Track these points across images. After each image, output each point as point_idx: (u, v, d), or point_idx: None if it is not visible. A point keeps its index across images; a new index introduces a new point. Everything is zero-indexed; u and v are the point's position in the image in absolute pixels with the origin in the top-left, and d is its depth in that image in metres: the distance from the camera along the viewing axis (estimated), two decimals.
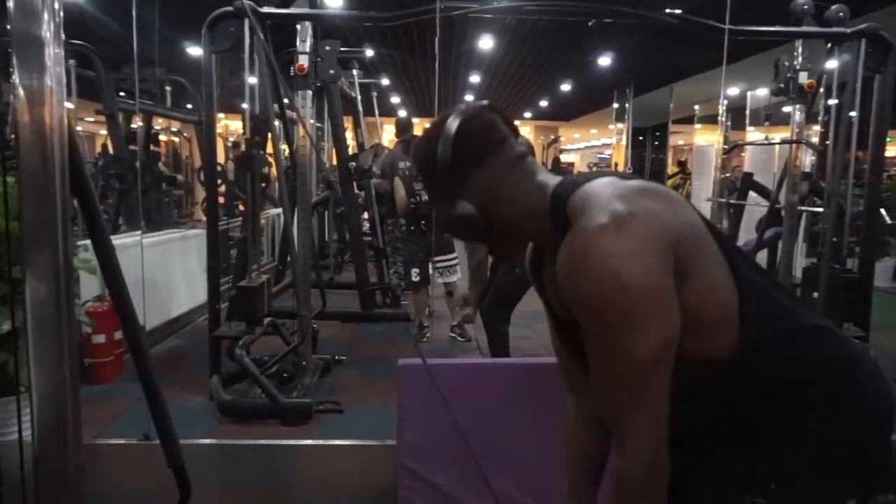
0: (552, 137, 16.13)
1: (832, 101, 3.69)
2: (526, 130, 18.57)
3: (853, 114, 3.50)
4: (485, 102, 1.04)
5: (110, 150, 5.03)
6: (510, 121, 1.04)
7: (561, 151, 17.43)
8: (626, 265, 0.82)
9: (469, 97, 12.18)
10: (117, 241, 3.84)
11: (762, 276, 0.99)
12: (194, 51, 4.48)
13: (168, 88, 5.75)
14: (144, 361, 1.38)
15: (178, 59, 5.95)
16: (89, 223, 1.29)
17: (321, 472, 2.35)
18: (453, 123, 0.98)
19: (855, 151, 3.61)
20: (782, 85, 3.52)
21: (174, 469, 1.42)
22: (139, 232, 3.98)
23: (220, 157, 7.62)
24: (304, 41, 3.06)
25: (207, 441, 2.41)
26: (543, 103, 13.33)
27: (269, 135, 3.26)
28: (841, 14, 3.37)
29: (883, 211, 4.38)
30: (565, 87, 10.87)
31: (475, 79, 10.01)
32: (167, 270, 4.33)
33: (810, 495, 0.92)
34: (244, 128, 3.08)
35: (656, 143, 14.07)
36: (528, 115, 15.64)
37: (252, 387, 3.14)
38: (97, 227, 1.29)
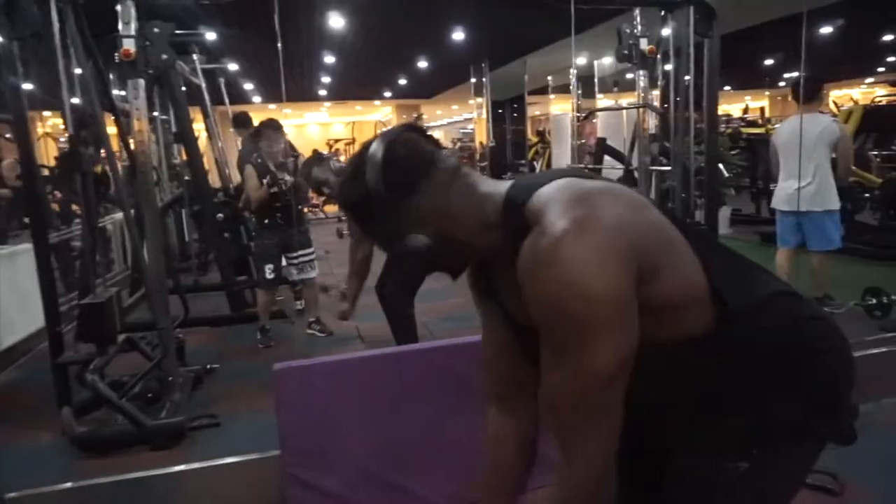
0: (414, 115, 16.11)
1: (669, 67, 3.95)
2: (387, 111, 18.44)
3: (688, 77, 3.76)
4: (402, 124, 0.98)
5: None
6: (431, 137, 0.98)
7: (425, 129, 17.48)
8: (590, 275, 0.80)
9: (325, 79, 11.81)
10: None
11: (722, 251, 1.01)
12: None
13: None
14: None
15: None
16: None
17: (202, 499, 2.15)
18: (376, 153, 0.90)
19: (693, 112, 3.89)
20: (626, 52, 3.71)
21: None
22: None
23: (51, 160, 6.81)
24: (128, 23, 2.72)
25: (62, 486, 2.11)
26: (402, 82, 13.26)
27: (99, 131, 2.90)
28: None
29: (721, 166, 4.79)
30: (422, 64, 10.86)
31: (329, 59, 9.69)
32: None
33: (788, 453, 0.96)
34: (65, 123, 2.69)
35: (515, 115, 14.51)
36: (388, 94, 15.51)
37: (112, 414, 2.81)
38: None
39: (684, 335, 0.92)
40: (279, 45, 3.23)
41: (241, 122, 4.72)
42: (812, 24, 6.78)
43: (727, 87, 16.17)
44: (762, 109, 13.94)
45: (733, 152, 7.74)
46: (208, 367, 3.58)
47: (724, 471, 0.96)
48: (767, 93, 18.65)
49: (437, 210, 0.92)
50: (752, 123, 10.86)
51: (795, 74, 4.04)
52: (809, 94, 3.65)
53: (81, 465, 2.55)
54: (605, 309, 0.81)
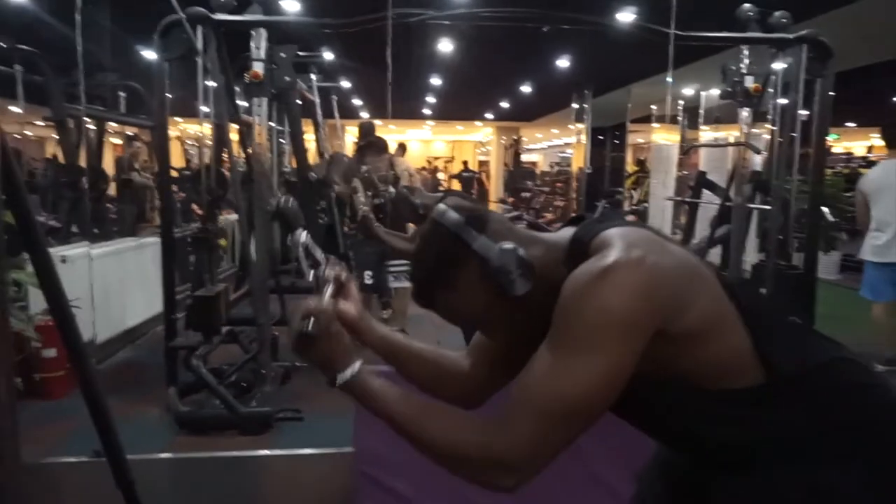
0: (514, 138, 16.23)
1: (781, 101, 3.82)
2: (488, 131, 18.68)
3: (801, 113, 3.63)
4: (449, 199, 1.01)
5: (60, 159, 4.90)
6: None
7: (523, 151, 17.56)
8: (621, 299, 0.84)
9: (430, 98, 12.20)
10: (68, 251, 3.76)
11: (776, 318, 1.02)
12: (150, 55, 4.40)
13: (122, 94, 5.60)
14: (87, 373, 1.35)
15: (133, 64, 5.82)
16: (24, 234, 1.25)
17: (280, 483, 2.34)
18: (444, 214, 0.97)
19: (799, 151, 3.75)
20: (730, 89, 3.63)
21: (122, 488, 1.39)
22: (86, 243, 3.88)
23: (179, 161, 7.50)
24: (259, 48, 3.03)
25: (162, 455, 2.36)
26: (504, 104, 13.42)
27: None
28: (784, 20, 3.50)
29: (826, 209, 4.54)
30: (525, 88, 10.97)
31: (436, 81, 10.03)
32: (121, 280, 4.24)
33: None
34: (201, 133, 3.03)
35: (616, 142, 14.28)
36: (489, 115, 15.72)
37: (211, 398, 3.09)
38: (33, 239, 1.26)
39: (730, 387, 0.94)
40: (389, 73, 3.43)
41: (367, 131, 5.01)
42: None
43: (850, 124, 15.10)
44: None
45: (848, 194, 7.26)
46: (297, 364, 3.83)
47: None
48: None
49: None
50: (875, 164, 10.10)
51: None
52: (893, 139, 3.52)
53: (180, 439, 2.83)
54: (616, 331, 0.85)
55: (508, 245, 0.94)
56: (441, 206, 1.00)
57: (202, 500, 2.25)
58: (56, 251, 3.65)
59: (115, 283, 4.14)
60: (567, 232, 1.00)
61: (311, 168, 4.69)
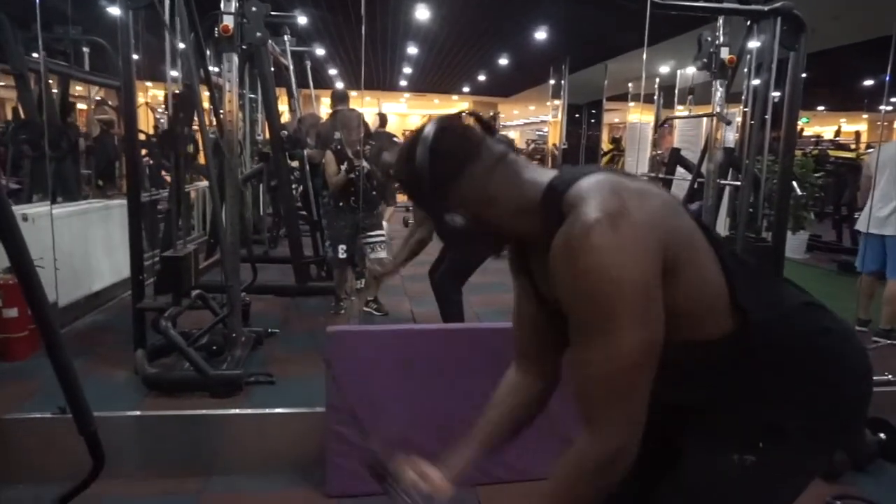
0: (491, 113, 16.18)
1: (754, 82, 3.86)
2: (464, 106, 18.55)
3: (776, 94, 3.67)
4: (458, 111, 1.05)
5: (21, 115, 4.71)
6: (486, 122, 1.05)
7: (501, 128, 17.50)
8: (619, 262, 0.85)
9: (407, 69, 12.05)
10: (32, 210, 3.64)
11: (747, 265, 1.05)
12: (115, 11, 4.24)
13: (86, 50, 5.41)
14: (48, 324, 1.31)
15: (101, 21, 5.61)
16: None
17: (250, 441, 2.33)
18: (427, 137, 0.99)
19: (771, 133, 3.81)
20: (705, 60, 3.65)
21: (86, 436, 1.36)
22: (48, 202, 3.76)
23: (149, 126, 7.28)
24: (229, 1, 2.94)
25: (130, 413, 2.34)
26: (482, 78, 13.34)
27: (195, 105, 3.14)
28: None
29: (794, 183, 4.64)
30: (503, 61, 10.91)
31: (413, 51, 9.90)
32: (87, 242, 4.13)
33: (797, 450, 0.99)
34: (165, 99, 2.94)
35: (592, 120, 14.34)
36: (466, 89, 15.65)
37: (180, 361, 3.05)
38: None
39: (702, 337, 0.97)
40: (363, 28, 3.36)
41: (340, 98, 4.96)
42: None
43: (821, 108, 15.38)
44: (857, 134, 13.19)
45: (817, 174, 7.42)
46: (269, 330, 3.80)
47: (730, 463, 0.99)
48: (865, 116, 17.61)
49: (476, 194, 0.99)
50: (843, 147, 10.33)
51: None
52: None
53: (148, 401, 2.80)
54: (634, 293, 0.86)
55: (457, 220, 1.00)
56: (429, 130, 1.00)
57: (171, 456, 2.24)
58: (17, 209, 3.54)
59: (80, 245, 4.03)
60: (547, 175, 1.01)
61: (283, 126, 4.60)
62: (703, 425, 1.04)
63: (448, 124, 1.01)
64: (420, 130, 1.01)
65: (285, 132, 4.45)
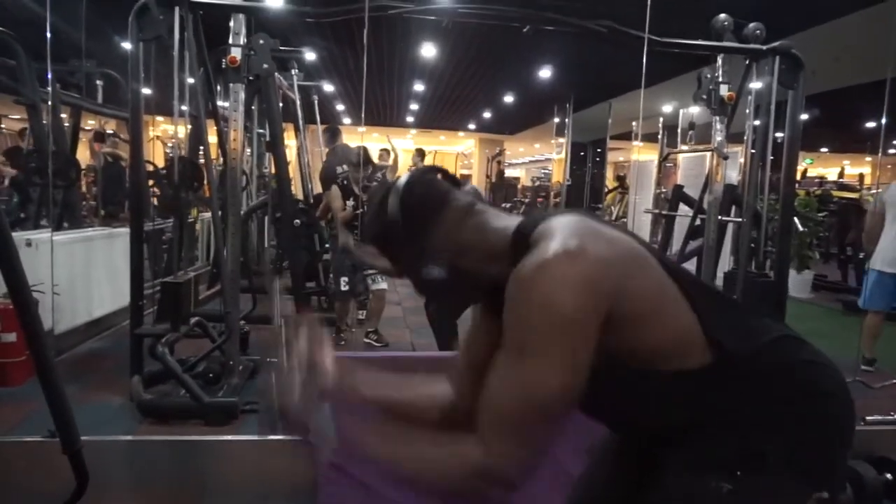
0: (497, 150, 16.35)
1: (756, 123, 3.91)
2: (470, 143, 18.78)
3: (780, 135, 3.71)
4: (422, 166, 1.09)
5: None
6: (451, 175, 1.08)
7: (506, 166, 17.67)
8: (561, 295, 0.85)
9: (413, 106, 12.25)
10: (35, 235, 3.68)
11: (721, 300, 1.06)
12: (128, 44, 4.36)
13: (100, 83, 5.54)
14: (40, 344, 1.32)
15: (112, 54, 5.75)
16: None
17: (242, 469, 2.29)
18: (397, 193, 1.01)
19: (771, 173, 3.85)
20: (705, 96, 3.70)
21: (70, 455, 1.35)
22: (49, 229, 3.80)
23: (156, 158, 7.39)
24: (238, 34, 3.02)
25: (121, 437, 2.31)
26: (487, 115, 13.53)
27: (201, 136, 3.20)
28: (758, 31, 3.58)
29: (796, 219, 4.64)
30: (508, 98, 11.08)
31: (419, 87, 10.08)
32: (89, 269, 4.15)
33: (775, 481, 0.97)
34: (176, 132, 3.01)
35: (597, 158, 14.44)
36: (472, 126, 15.83)
37: (177, 389, 3.03)
38: None
39: (680, 368, 0.96)
40: (364, 62, 3.45)
41: (333, 134, 5.05)
42: None
43: (824, 149, 15.48)
44: (860, 176, 13.23)
45: (821, 215, 7.43)
46: (268, 359, 3.78)
47: (707, 490, 0.97)
48: (869, 158, 17.70)
49: (449, 244, 1.00)
50: (847, 188, 10.36)
51: None
52: None
53: (143, 427, 2.77)
54: (565, 328, 0.86)
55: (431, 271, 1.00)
56: (397, 187, 1.02)
57: (162, 482, 2.20)
58: (21, 234, 3.58)
59: (82, 272, 4.05)
60: (515, 220, 1.03)
61: (296, 210, 4.69)
62: (682, 451, 1.02)
63: (415, 178, 1.04)
64: (386, 191, 1.03)
65: (297, 221, 4.53)
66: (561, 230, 0.92)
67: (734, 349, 0.96)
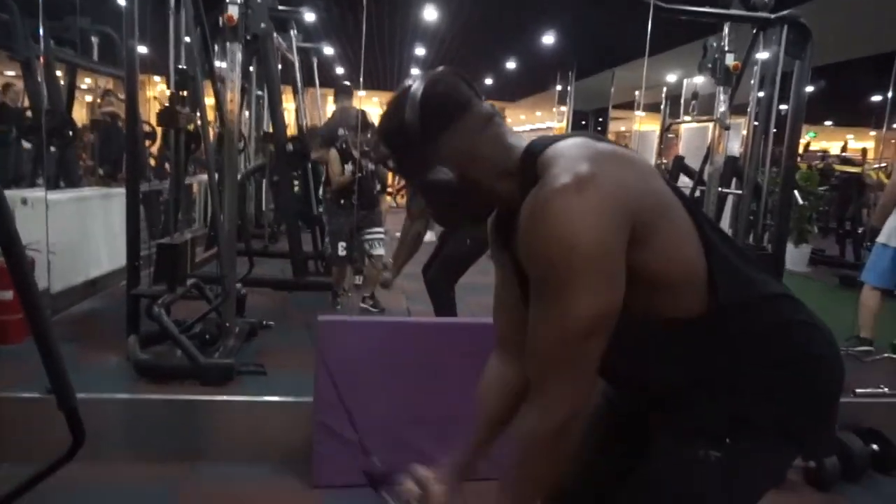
0: None
1: (760, 94, 3.85)
2: None
3: (784, 107, 3.66)
4: (448, 67, 1.03)
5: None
6: (473, 84, 1.04)
7: None
8: (581, 228, 0.83)
9: (414, 71, 12.07)
10: (31, 194, 3.65)
11: (729, 244, 1.02)
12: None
13: (95, 40, 5.43)
14: (33, 300, 1.31)
15: (107, 11, 5.63)
16: None
17: (237, 429, 2.33)
18: (418, 90, 0.97)
19: (775, 142, 3.78)
20: (710, 65, 3.64)
21: (66, 412, 1.35)
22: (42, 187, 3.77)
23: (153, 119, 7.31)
24: None
25: (117, 395, 2.33)
26: (488, 81, 13.35)
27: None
28: (766, 0, 3.51)
29: (796, 192, 4.60)
30: (510, 64, 10.92)
31: (420, 52, 9.92)
32: (86, 229, 4.13)
33: (763, 447, 0.97)
34: (167, 81, 2.94)
35: (599, 128, 14.32)
36: None
37: (173, 350, 3.04)
38: None
39: (678, 314, 0.95)
40: (364, 25, 3.38)
41: (343, 90, 4.98)
42: None
43: (828, 123, 15.34)
44: (864, 151, 13.14)
45: (822, 189, 7.40)
46: (264, 322, 3.80)
47: (697, 458, 0.97)
48: (873, 133, 17.55)
49: (463, 151, 0.98)
50: (849, 162, 10.29)
51: None
52: None
53: (139, 386, 2.78)
54: (590, 261, 0.84)
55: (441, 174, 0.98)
56: (418, 85, 0.98)
57: (157, 442, 2.23)
58: (16, 192, 3.55)
59: (78, 232, 4.03)
60: (525, 142, 1.01)
61: (288, 139, 4.62)
62: (672, 417, 1.02)
63: (440, 77, 1.00)
64: (407, 88, 1.00)
65: (290, 147, 4.45)
66: (569, 154, 0.90)
67: (732, 296, 0.95)
